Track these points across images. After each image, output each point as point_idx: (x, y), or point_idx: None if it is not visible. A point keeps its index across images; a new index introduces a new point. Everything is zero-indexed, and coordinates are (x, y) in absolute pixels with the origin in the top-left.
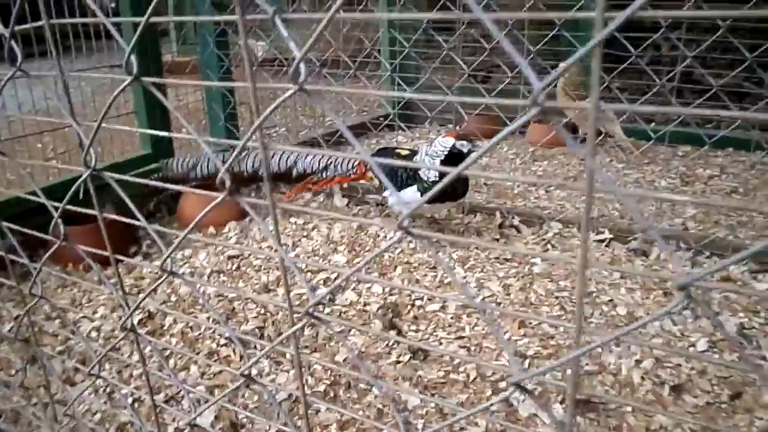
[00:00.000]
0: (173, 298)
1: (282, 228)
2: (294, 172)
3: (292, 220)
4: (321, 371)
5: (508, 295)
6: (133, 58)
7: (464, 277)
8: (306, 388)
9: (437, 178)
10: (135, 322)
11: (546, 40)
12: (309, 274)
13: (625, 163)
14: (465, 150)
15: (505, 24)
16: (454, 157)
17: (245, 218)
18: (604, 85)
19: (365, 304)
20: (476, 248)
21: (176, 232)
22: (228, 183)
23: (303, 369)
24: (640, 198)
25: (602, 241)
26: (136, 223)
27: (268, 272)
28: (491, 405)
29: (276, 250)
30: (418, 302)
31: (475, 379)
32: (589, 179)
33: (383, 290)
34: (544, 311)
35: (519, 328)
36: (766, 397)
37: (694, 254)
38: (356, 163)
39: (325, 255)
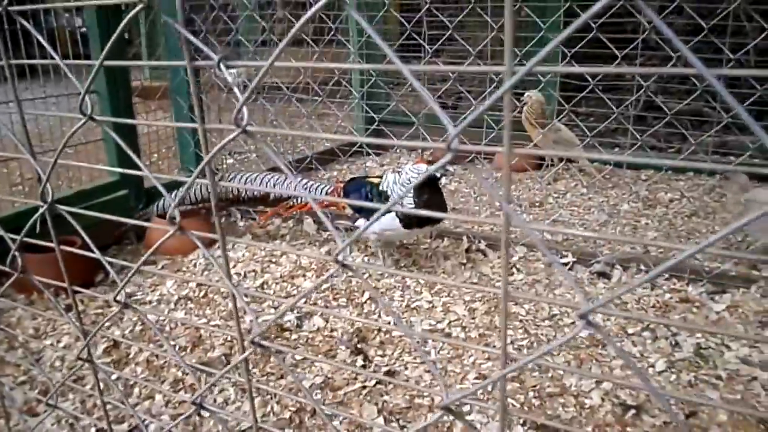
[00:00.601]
0: (139, 327)
1: (252, 254)
2: (271, 196)
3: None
4: (287, 398)
5: (474, 318)
6: (87, 98)
7: (430, 302)
8: (271, 415)
9: (413, 205)
10: (100, 351)
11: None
12: (272, 301)
13: (588, 187)
14: (438, 175)
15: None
16: (428, 182)
17: (214, 245)
18: (565, 113)
19: (332, 330)
20: (443, 272)
21: (130, 265)
22: (177, 218)
23: (268, 397)
24: (605, 221)
25: (566, 264)
26: (94, 254)
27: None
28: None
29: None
30: (384, 327)
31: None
32: (505, 224)
33: (350, 316)
34: (508, 335)
35: (483, 351)
36: (722, 416)
37: (654, 277)
38: (330, 189)
39: (293, 280)
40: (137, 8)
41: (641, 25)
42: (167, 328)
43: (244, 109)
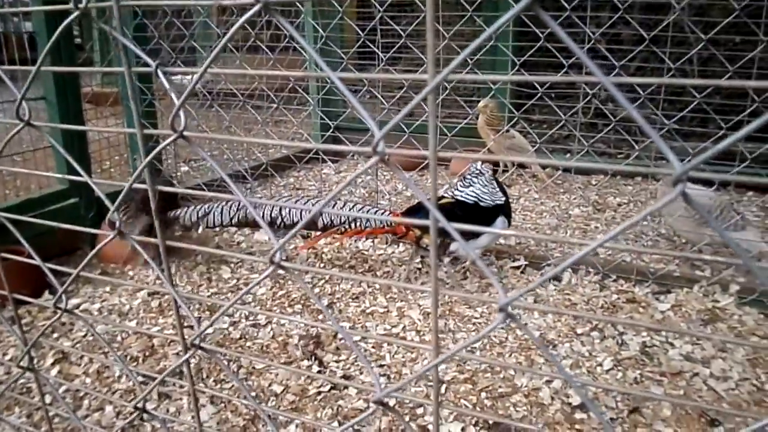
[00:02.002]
0: (90, 337)
1: (207, 262)
2: (320, 223)
3: (205, 249)
4: (243, 405)
5: (428, 322)
6: (25, 104)
7: (385, 307)
8: (224, 423)
9: (504, 196)
10: (48, 362)
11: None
12: (230, 308)
13: (540, 192)
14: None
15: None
16: (498, 182)
17: (176, 251)
18: (514, 120)
19: (288, 336)
20: (398, 278)
21: (70, 270)
22: (117, 224)
23: (222, 405)
24: (555, 226)
25: (518, 267)
26: (37, 263)
27: (190, 307)
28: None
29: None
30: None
31: (394, 406)
32: (433, 224)
33: (305, 321)
34: (461, 337)
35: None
36: (666, 410)
37: (602, 278)
38: (389, 215)
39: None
40: (72, 15)
41: (589, 34)
42: (119, 338)
43: (181, 114)
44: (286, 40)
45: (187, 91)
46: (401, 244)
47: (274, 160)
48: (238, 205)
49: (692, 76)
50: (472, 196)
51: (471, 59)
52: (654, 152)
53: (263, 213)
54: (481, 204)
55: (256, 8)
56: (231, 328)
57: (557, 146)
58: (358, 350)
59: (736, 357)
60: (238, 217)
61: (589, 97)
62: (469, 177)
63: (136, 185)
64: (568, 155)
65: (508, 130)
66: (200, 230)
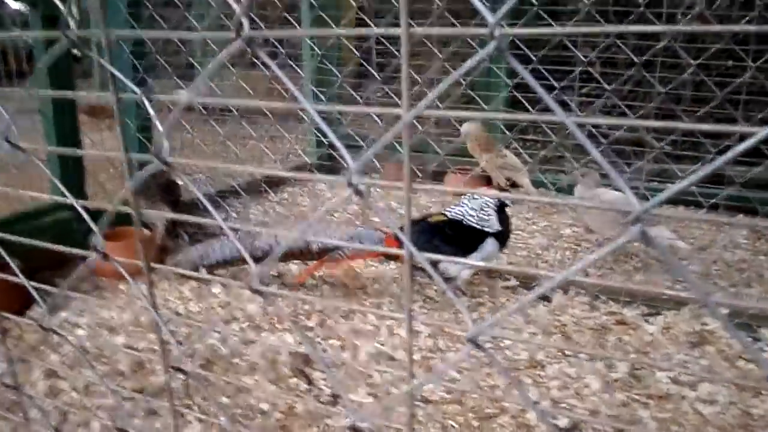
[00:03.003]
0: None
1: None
2: (315, 247)
3: (190, 273)
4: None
5: (417, 341)
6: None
7: (375, 325)
8: None
9: (500, 227)
10: (35, 377)
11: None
12: (215, 326)
13: (533, 211)
14: (507, 203)
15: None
16: (502, 205)
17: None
18: (509, 142)
19: (277, 353)
20: (390, 296)
21: (53, 289)
22: (99, 246)
23: (210, 422)
24: (546, 246)
25: (509, 287)
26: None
27: (179, 325)
28: None
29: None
30: (329, 351)
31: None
32: (407, 252)
33: (294, 340)
34: (450, 356)
35: (426, 372)
36: None
37: (592, 299)
38: (382, 237)
39: (241, 305)
40: (61, 45)
41: (585, 57)
42: (107, 353)
43: (165, 141)
44: (284, 55)
45: (169, 121)
46: (393, 262)
47: (267, 177)
48: (238, 237)
49: (685, 100)
50: (458, 215)
51: (464, 79)
52: (645, 174)
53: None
54: (464, 224)
55: (237, 45)
56: (220, 344)
57: (551, 167)
58: (332, 376)
59: (723, 380)
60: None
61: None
62: (467, 197)
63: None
64: (561, 175)
65: (500, 150)
66: (203, 272)
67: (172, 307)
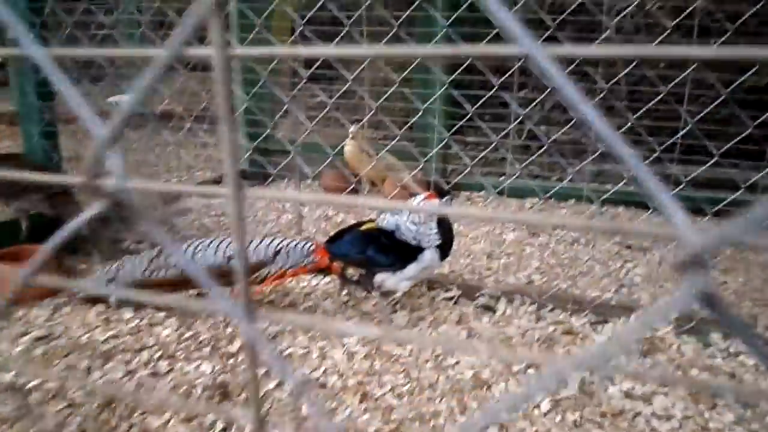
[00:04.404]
0: None
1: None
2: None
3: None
4: None
5: (352, 364)
6: None
7: (306, 348)
8: None
9: (439, 240)
10: None
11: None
12: (129, 353)
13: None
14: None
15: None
16: (443, 223)
17: (56, 294)
18: (444, 141)
19: (192, 386)
20: (323, 312)
21: None
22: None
23: None
24: (489, 252)
25: (450, 298)
26: None
27: (81, 359)
28: None
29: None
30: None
31: None
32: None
33: (213, 369)
34: (387, 380)
35: (360, 402)
36: None
37: (538, 308)
38: (311, 248)
39: (152, 329)
40: None
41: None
42: None
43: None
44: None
45: (113, 131)
46: (327, 276)
47: (198, 183)
48: (150, 257)
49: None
50: (391, 226)
51: (397, 77)
52: (588, 175)
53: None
54: (396, 236)
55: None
56: (126, 379)
57: (492, 168)
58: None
59: (678, 392)
60: (153, 272)
61: (519, 119)
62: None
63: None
64: (503, 178)
65: (377, 153)
66: (113, 301)
67: (74, 336)
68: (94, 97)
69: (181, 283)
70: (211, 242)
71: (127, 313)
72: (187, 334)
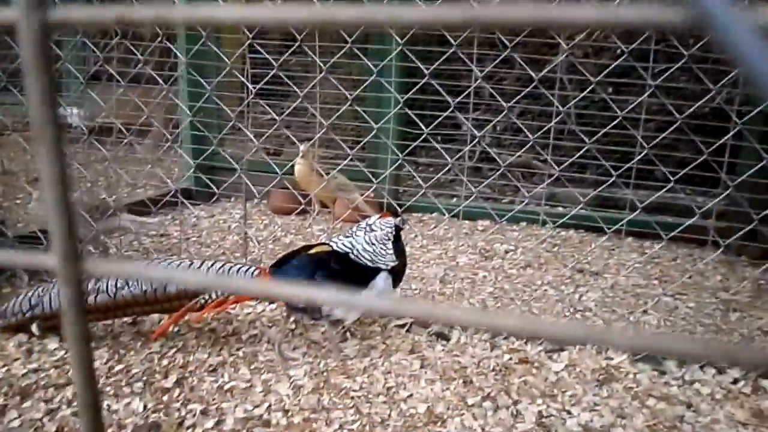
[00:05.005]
0: None
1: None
2: (172, 292)
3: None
4: None
5: (298, 399)
6: None
7: (248, 381)
8: None
9: (395, 261)
10: None
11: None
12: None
13: (428, 238)
14: (402, 227)
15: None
16: (398, 236)
17: None
18: (398, 162)
19: (122, 426)
20: (267, 342)
21: None
22: None
23: None
24: (442, 277)
25: (403, 325)
26: None
27: None
28: None
29: None
30: (189, 419)
31: None
32: None
33: (145, 406)
34: (336, 417)
35: None
36: None
37: (492, 335)
38: (255, 272)
39: None
40: None
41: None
42: None
43: None
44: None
45: None
46: (274, 303)
47: (134, 202)
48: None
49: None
50: (346, 248)
51: (351, 95)
52: (543, 198)
53: (106, 284)
54: (352, 258)
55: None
56: (46, 419)
57: (444, 191)
58: None
59: (636, 424)
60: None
61: (475, 141)
62: (384, 227)
63: None
64: (455, 199)
65: (328, 173)
66: (35, 329)
67: None
68: None
69: (111, 310)
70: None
71: (52, 343)
72: (118, 367)
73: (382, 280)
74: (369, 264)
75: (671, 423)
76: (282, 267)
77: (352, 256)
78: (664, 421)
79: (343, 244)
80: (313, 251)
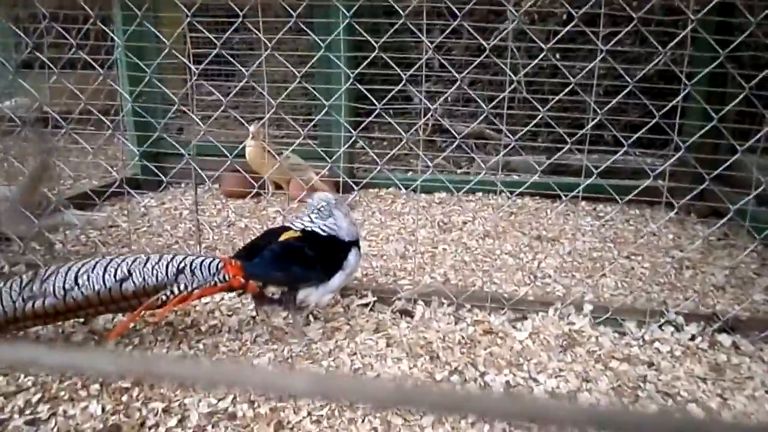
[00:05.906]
0: None
1: None
2: (129, 290)
3: None
4: None
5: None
6: None
7: None
8: None
9: (357, 235)
10: None
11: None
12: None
13: (384, 213)
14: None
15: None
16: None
17: None
18: (352, 139)
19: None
20: (228, 331)
21: None
22: None
23: None
24: (402, 252)
25: (366, 305)
26: None
27: None
28: None
29: None
30: (151, 418)
31: None
32: None
33: (103, 409)
34: (304, 405)
35: (276, 431)
36: None
37: (456, 308)
38: (220, 265)
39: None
40: None
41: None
42: None
43: None
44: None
45: None
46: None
47: (78, 194)
48: (24, 283)
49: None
50: (330, 228)
51: (299, 72)
52: (499, 167)
53: (53, 286)
54: (323, 236)
55: None
56: None
57: (399, 165)
58: None
59: (600, 387)
60: (27, 301)
61: (431, 113)
62: (326, 207)
63: None
64: (410, 173)
65: (280, 153)
66: None
67: None
68: None
69: (61, 313)
70: (98, 263)
71: None
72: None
73: (353, 256)
74: (345, 238)
75: (634, 384)
76: (253, 259)
77: (329, 233)
78: (628, 382)
79: (307, 224)
80: (283, 237)
